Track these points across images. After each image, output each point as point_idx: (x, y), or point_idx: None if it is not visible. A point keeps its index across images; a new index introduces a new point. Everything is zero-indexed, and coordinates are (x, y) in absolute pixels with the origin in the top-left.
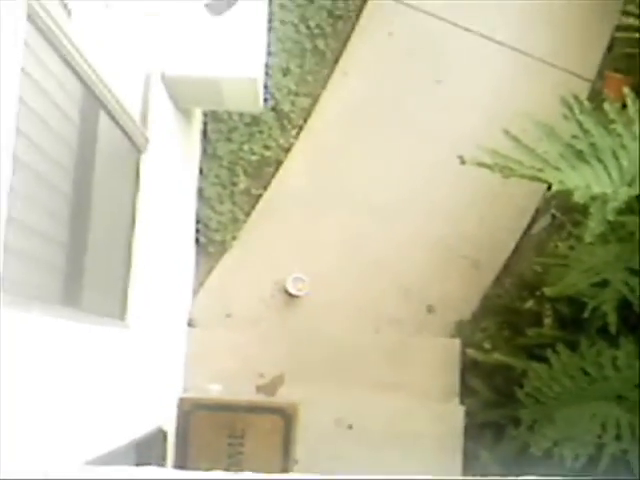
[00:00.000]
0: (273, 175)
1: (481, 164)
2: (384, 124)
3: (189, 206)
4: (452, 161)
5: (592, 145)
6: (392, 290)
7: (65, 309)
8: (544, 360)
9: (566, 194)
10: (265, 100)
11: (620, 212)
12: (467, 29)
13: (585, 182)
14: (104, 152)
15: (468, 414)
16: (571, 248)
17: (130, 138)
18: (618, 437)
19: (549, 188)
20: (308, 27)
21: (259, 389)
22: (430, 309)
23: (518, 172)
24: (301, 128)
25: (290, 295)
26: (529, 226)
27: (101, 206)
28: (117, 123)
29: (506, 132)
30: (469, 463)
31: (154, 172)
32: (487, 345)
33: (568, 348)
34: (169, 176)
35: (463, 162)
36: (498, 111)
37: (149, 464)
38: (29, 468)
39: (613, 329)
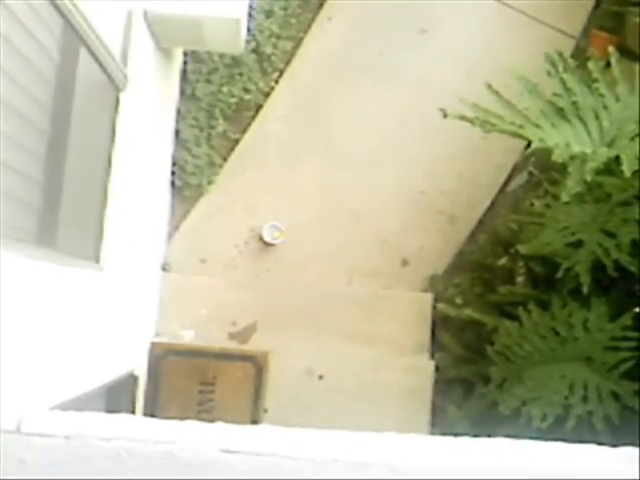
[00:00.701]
0: (252, 119)
1: (463, 118)
2: (366, 72)
3: (166, 148)
4: (434, 114)
5: (574, 104)
6: (368, 242)
7: (40, 250)
8: (515, 318)
9: (545, 152)
10: (247, 42)
11: (598, 172)
12: None
13: (565, 141)
14: (83, 89)
15: (438, 369)
16: (547, 207)
17: (109, 75)
18: (585, 399)
19: (528, 145)
20: None
21: (231, 336)
22: (404, 262)
23: (499, 127)
24: (282, 72)
25: (265, 243)
26: (505, 183)
27: (78, 144)
28: (97, 60)
29: (488, 86)
30: (437, 418)
31: (132, 111)
32: (459, 301)
33: (539, 307)
34: (147, 116)
35: (445, 115)
36: (481, 64)
37: (119, 409)
38: (0, 416)
39: (586, 290)
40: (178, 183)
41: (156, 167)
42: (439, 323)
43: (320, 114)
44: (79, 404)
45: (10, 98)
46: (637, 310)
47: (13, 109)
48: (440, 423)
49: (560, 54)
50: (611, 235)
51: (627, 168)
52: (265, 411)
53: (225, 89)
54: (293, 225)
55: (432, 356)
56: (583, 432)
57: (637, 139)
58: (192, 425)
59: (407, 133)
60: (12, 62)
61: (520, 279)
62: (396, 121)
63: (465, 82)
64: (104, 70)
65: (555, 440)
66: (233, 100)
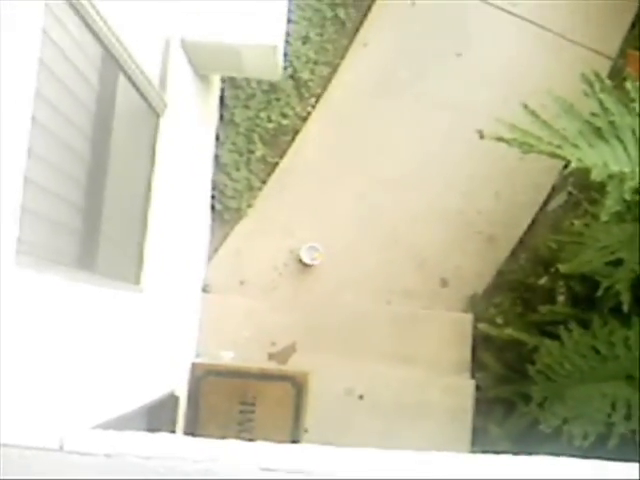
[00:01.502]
0: (290, 144)
1: (500, 139)
2: (402, 96)
3: (205, 172)
4: (470, 135)
5: (611, 123)
6: (406, 262)
7: (81, 272)
8: (556, 337)
9: (584, 172)
10: (284, 68)
11: (637, 191)
12: (489, 2)
13: (603, 160)
14: (123, 116)
15: (478, 389)
16: (587, 226)
17: (148, 102)
18: (627, 417)
19: (566, 165)
20: None
21: (271, 357)
22: (444, 283)
23: (537, 148)
24: (319, 97)
25: (304, 264)
26: (545, 203)
27: (118, 170)
28: (136, 87)
29: (525, 107)
30: (478, 438)
31: (172, 136)
32: (500, 320)
33: (580, 326)
34: (186, 141)
35: (482, 136)
36: (517, 86)
37: (160, 429)
38: (44, 434)
39: (626, 308)
40: (218, 207)
41: (196, 191)
42: (480, 343)
43: (357, 138)
44: (120, 424)
45: (52, 126)
46: None
47: (55, 136)
48: (481, 443)
49: (597, 74)
50: None
51: None
52: (305, 431)
53: (263, 114)
54: (331, 246)
55: (473, 376)
56: (626, 450)
57: None
58: (232, 444)
59: (444, 154)
60: (54, 90)
61: (560, 298)
62: (433, 143)
63: (502, 103)
64: (143, 97)
65: (597, 459)
66: (271, 125)
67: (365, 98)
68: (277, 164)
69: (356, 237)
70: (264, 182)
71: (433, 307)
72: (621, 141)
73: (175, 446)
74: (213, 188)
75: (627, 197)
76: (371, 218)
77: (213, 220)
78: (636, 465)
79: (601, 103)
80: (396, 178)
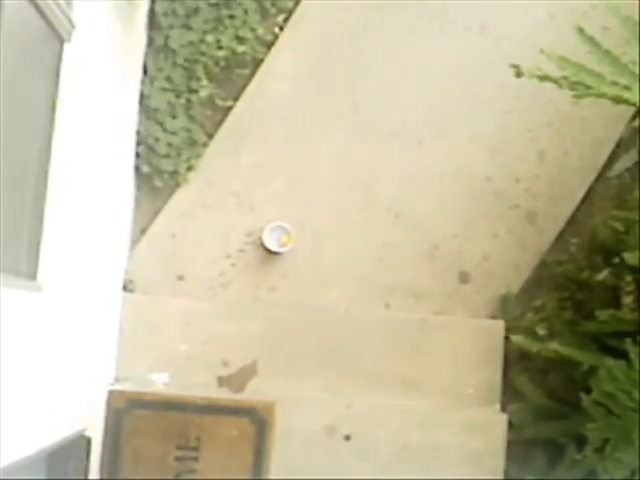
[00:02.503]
0: (248, 80)
1: (544, 77)
2: (407, 10)
3: (127, 121)
4: (503, 71)
5: None
6: (412, 249)
7: None
8: (621, 355)
9: None
10: None
11: None
12: None
13: None
14: (11, 40)
15: (512, 426)
16: None
17: (48, 21)
18: None
19: (638, 114)
20: None
21: (222, 382)
22: (464, 277)
23: (596, 90)
24: (289, 13)
25: (268, 251)
26: (606, 166)
27: (6, 118)
28: (32, 1)
29: (580, 31)
30: None
31: (80, 69)
32: (541, 331)
33: None
34: (101, 76)
35: (519, 74)
36: (568, 3)
37: None
38: None
39: None
40: (146, 169)
41: (113, 147)
42: (514, 362)
43: (341, 70)
44: (12, 474)
45: None
46: None
47: None
48: None
49: None
50: None
51: None
52: None
53: (210, 38)
54: (305, 226)
55: (504, 408)
56: None
57: None
58: None
59: (466, 96)
60: None
61: (627, 300)
62: (450, 79)
63: (547, 30)
64: (40, 13)
65: None
66: (222, 53)
67: (354, 12)
68: (230, 109)
69: (339, 213)
70: (211, 135)
71: (449, 312)
72: None
73: None
74: (139, 143)
75: None
76: (361, 186)
77: (138, 188)
78: None
79: None
80: (395, 129)
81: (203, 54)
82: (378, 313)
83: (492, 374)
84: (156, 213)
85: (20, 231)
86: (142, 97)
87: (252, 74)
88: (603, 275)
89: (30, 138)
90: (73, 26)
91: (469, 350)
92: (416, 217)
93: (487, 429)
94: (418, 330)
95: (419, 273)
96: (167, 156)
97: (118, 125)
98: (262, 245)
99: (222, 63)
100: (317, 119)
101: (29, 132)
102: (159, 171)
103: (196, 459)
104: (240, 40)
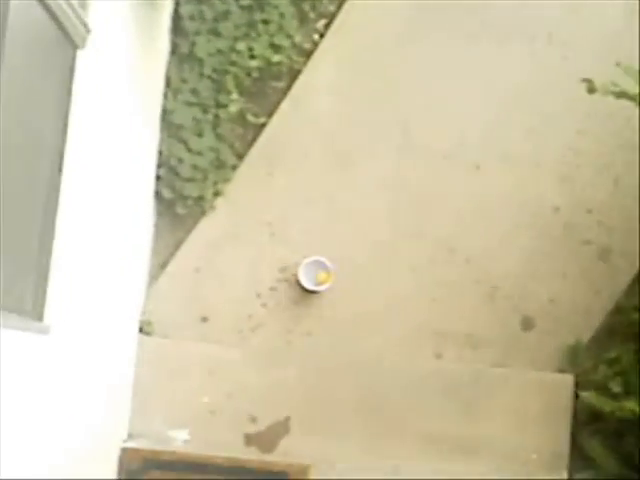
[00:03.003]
0: (284, 94)
1: (621, 94)
2: (468, 19)
3: (148, 138)
4: (573, 87)
5: None
6: (467, 289)
7: None
8: None
9: None
10: None
11: None
12: None
13: None
14: (19, 45)
15: None
16: None
17: (61, 26)
18: None
19: None
20: None
21: (249, 440)
22: (528, 323)
23: None
24: (331, 19)
25: (303, 290)
26: None
27: (8, 132)
28: (42, 2)
29: None
30: None
31: (95, 79)
32: (616, 387)
33: None
34: (118, 87)
35: (592, 90)
36: None
37: None
38: None
39: None
40: (167, 194)
41: (132, 169)
42: (583, 422)
43: (390, 83)
44: None
45: None
46: None
47: None
48: None
49: None
50: None
51: None
52: None
53: (242, 46)
54: (347, 262)
55: (572, 476)
56: None
57: None
58: None
59: (531, 114)
60: None
61: None
62: (513, 94)
63: (624, 41)
64: (53, 17)
65: None
66: (254, 63)
67: (404, 17)
68: (263, 126)
69: (386, 248)
70: (241, 156)
71: (510, 363)
72: None
73: None
74: (160, 165)
75: None
76: (410, 217)
77: (159, 216)
78: None
79: None
80: (451, 151)
81: (233, 64)
82: (428, 364)
83: (559, 437)
84: (178, 245)
85: (25, 265)
86: (164, 112)
87: (288, 87)
88: None
89: (39, 157)
90: (88, 31)
91: (532, 408)
92: (473, 253)
93: None
94: (474, 384)
95: (476, 318)
96: (191, 180)
97: (137, 143)
98: (297, 283)
99: (255, 74)
100: (362, 139)
101: (38, 151)
102: (182, 197)
103: None
104: (275, 48)
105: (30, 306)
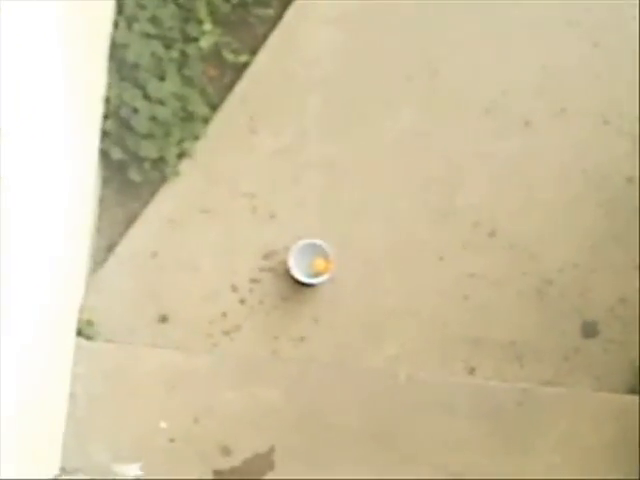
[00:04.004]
0: (272, 24)
1: None
2: None
3: (90, 81)
4: None
5: None
6: (510, 284)
7: None
8: None
9: None
10: None
11: None
12: None
13: None
14: None
15: None
16: None
17: None
18: None
19: None
20: None
21: (221, 477)
22: (589, 329)
23: None
24: None
25: (295, 282)
26: None
27: None
28: None
29: None
30: None
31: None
32: None
33: None
34: (48, 12)
35: None
36: None
37: None
38: None
39: None
40: (117, 155)
41: (67, 121)
42: None
43: (413, 13)
44: None
45: None
46: None
47: None
48: None
49: None
50: None
51: None
52: None
53: None
54: (351, 246)
55: None
56: None
57: None
58: None
59: (596, 53)
60: None
61: None
62: (572, 29)
63: None
64: None
65: None
66: None
67: None
68: (244, 67)
69: (403, 228)
70: (215, 106)
71: (565, 381)
72: None
73: None
74: (107, 116)
75: None
76: (436, 188)
77: (105, 183)
78: None
79: None
80: (490, 102)
81: None
82: (458, 380)
83: (626, 470)
84: (130, 221)
85: None
86: (114, 47)
87: (278, 15)
88: None
89: None
90: None
91: (593, 436)
92: (519, 237)
93: None
94: (518, 407)
95: (521, 321)
96: (149, 136)
97: (75, 87)
98: (286, 273)
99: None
100: (375, 85)
101: None
102: (137, 158)
103: None
104: None
105: None
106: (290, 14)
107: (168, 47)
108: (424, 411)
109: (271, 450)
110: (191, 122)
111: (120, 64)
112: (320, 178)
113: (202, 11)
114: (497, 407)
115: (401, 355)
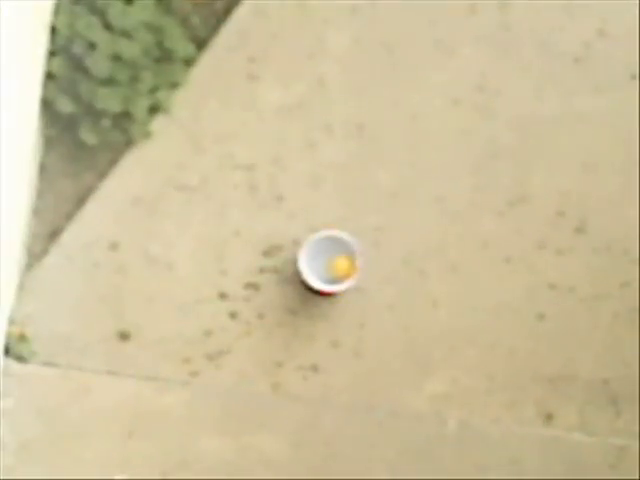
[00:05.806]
0: None
1: None
2: None
3: (29, 6)
4: None
5: None
6: (605, 299)
7: None
8: None
9: None
10: None
11: None
12: None
13: None
14: None
15: None
16: None
17: None
18: None
19: None
20: None
21: None
22: None
23: None
24: None
25: (307, 289)
26: None
27: None
28: None
29: None
30: None
31: None
32: None
33: None
34: None
35: None
36: None
37: None
38: None
39: None
40: (65, 107)
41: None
42: None
43: None
44: None
45: None
46: None
47: None
48: None
49: None
50: None
51: None
52: None
53: None
54: (384, 242)
55: None
56: None
57: None
58: None
59: None
60: None
61: None
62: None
63: None
64: None
65: None
66: None
67: None
68: (229, 12)
69: (457, 219)
70: (202, 42)
71: None
72: None
73: None
74: (54, 53)
75: None
76: (503, 167)
77: (49, 147)
78: None
79: None
80: (581, 49)
81: None
82: (529, 431)
83: None
84: (82, 199)
85: None
86: None
87: None
88: None
89: None
90: None
91: None
92: (617, 234)
93: None
94: (611, 469)
95: (617, 352)
96: (111, 82)
97: (7, 10)
98: (296, 276)
99: None
100: (423, 18)
101: None
102: (93, 112)
103: None
104: None
105: None
106: None
107: None
108: (481, 470)
109: None
110: (168, 63)
111: None
112: (343, 146)
113: None
114: (582, 469)
115: (451, 395)
